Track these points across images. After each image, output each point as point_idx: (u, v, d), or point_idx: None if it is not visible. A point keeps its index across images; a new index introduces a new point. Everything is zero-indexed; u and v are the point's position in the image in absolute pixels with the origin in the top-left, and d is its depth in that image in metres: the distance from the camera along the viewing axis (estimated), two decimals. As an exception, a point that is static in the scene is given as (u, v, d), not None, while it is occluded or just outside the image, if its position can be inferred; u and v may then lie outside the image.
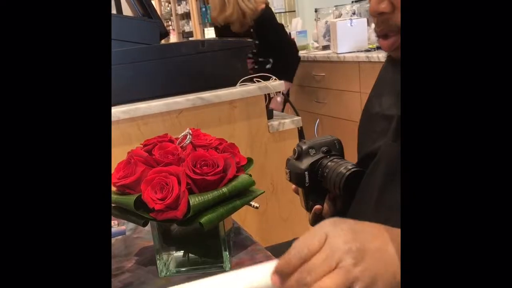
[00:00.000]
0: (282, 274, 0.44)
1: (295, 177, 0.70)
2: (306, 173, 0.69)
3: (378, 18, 0.56)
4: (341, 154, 0.70)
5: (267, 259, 0.64)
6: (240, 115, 1.33)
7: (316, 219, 0.72)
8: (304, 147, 0.69)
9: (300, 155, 0.69)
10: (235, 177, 0.62)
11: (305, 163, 0.69)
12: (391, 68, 0.72)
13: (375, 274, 0.42)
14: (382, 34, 0.57)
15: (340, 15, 2.74)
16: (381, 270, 0.43)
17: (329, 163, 0.68)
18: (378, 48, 2.37)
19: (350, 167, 0.65)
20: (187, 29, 5.52)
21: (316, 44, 3.05)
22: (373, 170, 0.64)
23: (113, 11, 1.45)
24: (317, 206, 0.72)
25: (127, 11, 1.51)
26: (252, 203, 0.67)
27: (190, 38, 5.18)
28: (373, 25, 2.43)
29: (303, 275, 0.42)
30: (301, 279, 0.42)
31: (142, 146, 0.67)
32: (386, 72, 0.75)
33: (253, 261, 0.64)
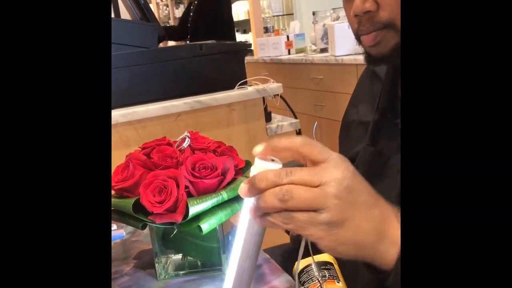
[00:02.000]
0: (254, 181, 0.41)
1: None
2: None
3: (362, 17, 0.58)
4: None
5: (265, 261, 0.64)
6: (238, 118, 1.33)
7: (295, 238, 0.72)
8: None
9: None
10: (233, 180, 0.62)
11: None
12: (368, 79, 0.75)
13: (346, 220, 0.40)
14: (366, 32, 0.58)
15: (337, 18, 2.75)
16: (356, 224, 0.40)
17: None
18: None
19: None
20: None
21: (314, 47, 3.05)
22: None
23: (111, 15, 1.45)
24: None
25: (125, 14, 1.52)
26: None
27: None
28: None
29: (281, 174, 0.39)
30: (278, 178, 0.39)
31: (140, 149, 0.67)
32: (362, 83, 0.79)
33: (252, 264, 0.64)
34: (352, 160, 0.66)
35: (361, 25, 0.58)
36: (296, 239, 0.64)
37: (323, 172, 0.40)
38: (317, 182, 0.39)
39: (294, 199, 0.39)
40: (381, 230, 0.42)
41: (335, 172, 0.40)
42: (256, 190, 0.40)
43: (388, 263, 0.42)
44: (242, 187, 0.42)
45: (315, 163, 0.41)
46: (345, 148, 0.74)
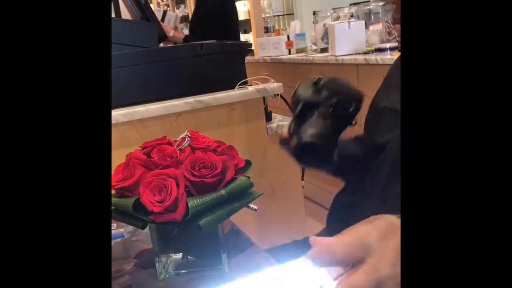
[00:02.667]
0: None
1: (294, 98, 0.69)
2: (301, 104, 0.67)
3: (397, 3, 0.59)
4: (346, 116, 0.67)
5: (266, 261, 0.65)
6: (239, 117, 1.33)
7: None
8: (321, 83, 0.66)
9: (316, 84, 0.67)
10: (233, 179, 0.62)
11: (306, 95, 0.66)
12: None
13: None
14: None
15: (338, 18, 2.75)
16: None
17: (309, 118, 0.65)
18: (376, 50, 2.38)
19: (307, 137, 0.63)
20: (185, 32, 5.52)
21: (314, 47, 3.05)
22: (381, 163, 0.64)
23: (112, 14, 1.45)
24: (284, 135, 0.71)
25: (125, 14, 1.52)
26: (251, 205, 0.67)
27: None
28: (371, 28, 2.45)
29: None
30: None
31: (140, 148, 0.67)
32: (394, 69, 0.77)
33: (252, 263, 0.65)
34: (381, 148, 0.65)
35: (396, 13, 0.59)
36: None
37: (374, 270, 0.41)
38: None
39: None
40: None
41: (383, 265, 0.41)
42: None
43: None
44: None
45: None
46: (375, 133, 0.73)
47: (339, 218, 0.80)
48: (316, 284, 0.45)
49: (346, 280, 0.41)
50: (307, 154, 0.67)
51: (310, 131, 0.65)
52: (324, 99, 0.66)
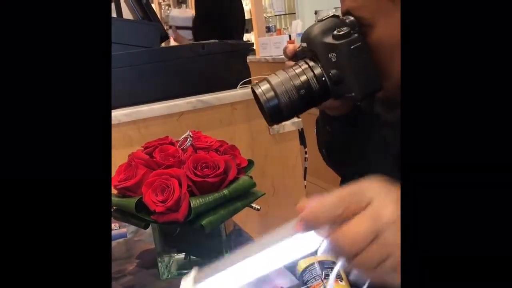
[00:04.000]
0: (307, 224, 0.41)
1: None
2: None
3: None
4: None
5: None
6: (241, 117, 1.33)
7: None
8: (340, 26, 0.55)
9: (326, 22, 0.57)
10: (235, 179, 0.62)
11: (312, 33, 0.57)
12: None
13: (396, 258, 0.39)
14: None
15: (340, 17, 2.75)
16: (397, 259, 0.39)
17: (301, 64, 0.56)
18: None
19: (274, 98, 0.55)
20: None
21: (316, 46, 3.05)
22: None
23: (113, 14, 1.45)
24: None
25: (127, 14, 1.52)
26: (253, 205, 0.67)
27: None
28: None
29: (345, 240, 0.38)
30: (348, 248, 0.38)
31: (142, 148, 0.67)
32: None
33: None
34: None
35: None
36: None
37: (373, 221, 0.39)
38: (374, 236, 0.38)
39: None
40: None
41: (386, 213, 0.39)
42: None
43: None
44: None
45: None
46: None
47: None
48: (312, 247, 0.42)
49: (341, 229, 0.39)
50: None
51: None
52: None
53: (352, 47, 0.54)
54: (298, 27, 3.33)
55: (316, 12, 2.99)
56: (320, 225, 0.40)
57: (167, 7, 5.91)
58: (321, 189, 2.48)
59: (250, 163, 0.69)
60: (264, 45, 3.18)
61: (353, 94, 0.55)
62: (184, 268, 0.65)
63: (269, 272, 0.44)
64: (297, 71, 0.56)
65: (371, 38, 0.55)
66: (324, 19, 0.58)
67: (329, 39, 0.55)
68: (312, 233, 0.41)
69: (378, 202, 0.39)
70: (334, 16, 0.58)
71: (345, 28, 0.54)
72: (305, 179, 1.43)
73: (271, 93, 0.55)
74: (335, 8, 2.85)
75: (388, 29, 0.54)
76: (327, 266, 0.57)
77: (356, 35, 0.55)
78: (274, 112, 0.55)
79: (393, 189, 0.40)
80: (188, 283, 0.43)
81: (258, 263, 0.43)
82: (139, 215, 0.59)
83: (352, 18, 0.55)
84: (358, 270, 0.40)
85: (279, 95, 0.55)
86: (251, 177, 0.64)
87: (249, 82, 1.36)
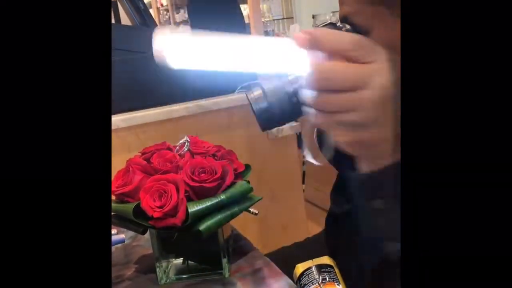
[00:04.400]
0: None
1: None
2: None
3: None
4: None
5: (267, 265, 0.65)
6: (239, 122, 1.33)
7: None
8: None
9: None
10: (233, 183, 0.62)
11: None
12: None
13: (372, 125, 0.40)
14: None
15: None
16: (379, 133, 0.41)
17: None
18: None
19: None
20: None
21: (314, 50, 3.06)
22: None
23: (112, 20, 1.46)
24: None
25: (125, 20, 1.52)
26: (251, 209, 0.67)
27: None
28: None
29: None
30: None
31: (140, 154, 0.67)
32: None
33: (252, 267, 0.65)
34: None
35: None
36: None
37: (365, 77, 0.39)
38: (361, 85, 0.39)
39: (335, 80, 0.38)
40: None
41: (378, 80, 0.39)
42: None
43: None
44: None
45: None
46: None
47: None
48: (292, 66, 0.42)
49: (333, 62, 0.39)
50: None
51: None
52: None
53: None
54: (296, 31, 3.34)
55: (313, 16, 3.00)
56: (323, 47, 0.39)
57: (165, 13, 5.93)
58: (320, 192, 2.48)
59: (247, 168, 0.69)
60: (262, 50, 3.19)
61: None
62: (182, 273, 0.65)
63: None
64: (290, 78, 0.56)
65: None
66: (320, 27, 0.59)
67: None
68: (302, 55, 0.40)
69: (379, 68, 0.39)
70: (330, 23, 0.58)
71: None
72: (303, 183, 1.43)
73: (263, 100, 0.55)
74: (333, 12, 2.87)
75: (383, 35, 0.54)
76: (324, 270, 0.57)
77: None
78: (266, 118, 0.55)
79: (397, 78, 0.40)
80: (166, 30, 0.41)
81: (242, 49, 0.42)
82: (137, 220, 0.59)
83: (348, 26, 0.55)
84: (320, 112, 0.40)
85: (271, 102, 0.55)
86: (248, 181, 0.64)
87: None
